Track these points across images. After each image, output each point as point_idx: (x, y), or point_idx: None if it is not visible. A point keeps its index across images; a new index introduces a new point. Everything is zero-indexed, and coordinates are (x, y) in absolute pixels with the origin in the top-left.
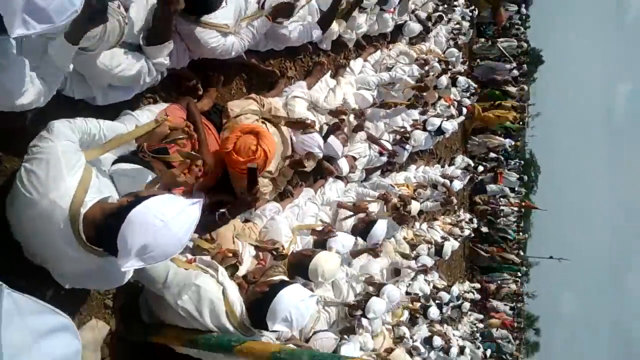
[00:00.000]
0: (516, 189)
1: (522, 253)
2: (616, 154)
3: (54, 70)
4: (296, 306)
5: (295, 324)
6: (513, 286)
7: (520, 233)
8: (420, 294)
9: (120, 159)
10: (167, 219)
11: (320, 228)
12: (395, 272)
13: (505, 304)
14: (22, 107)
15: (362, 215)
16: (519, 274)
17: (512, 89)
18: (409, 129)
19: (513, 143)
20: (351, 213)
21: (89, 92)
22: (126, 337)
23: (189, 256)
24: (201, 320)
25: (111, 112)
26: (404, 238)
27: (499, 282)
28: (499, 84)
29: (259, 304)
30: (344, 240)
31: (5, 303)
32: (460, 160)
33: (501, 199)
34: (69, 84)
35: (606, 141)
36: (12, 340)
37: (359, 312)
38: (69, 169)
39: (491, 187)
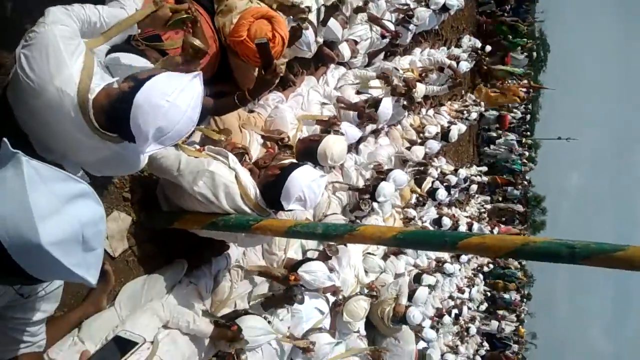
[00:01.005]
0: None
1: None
2: (629, 28)
3: None
4: (309, 185)
5: (309, 203)
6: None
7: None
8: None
9: (114, 49)
10: (172, 98)
11: (325, 118)
12: (403, 162)
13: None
14: None
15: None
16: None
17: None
18: (412, 5)
19: None
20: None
21: None
22: (149, 225)
23: (197, 146)
24: (218, 203)
25: None
26: (411, 125)
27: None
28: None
29: (272, 185)
30: (349, 129)
31: (26, 170)
32: (467, 40)
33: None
34: None
35: (619, 16)
36: (39, 204)
37: (368, 196)
38: (70, 54)
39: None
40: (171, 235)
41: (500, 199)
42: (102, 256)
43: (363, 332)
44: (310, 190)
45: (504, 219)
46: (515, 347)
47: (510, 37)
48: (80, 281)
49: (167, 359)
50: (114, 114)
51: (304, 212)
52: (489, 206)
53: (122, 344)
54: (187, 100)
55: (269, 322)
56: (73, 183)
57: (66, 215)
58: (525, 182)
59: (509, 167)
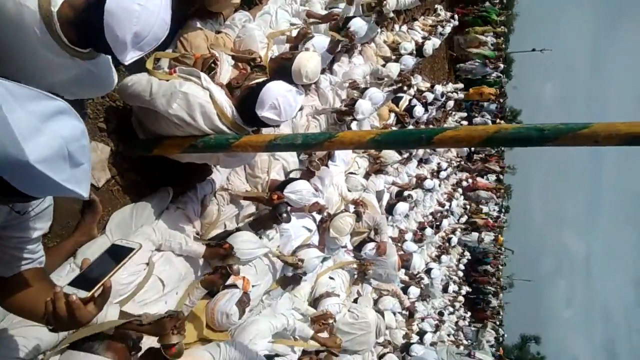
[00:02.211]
0: None
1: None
2: None
3: None
4: (284, 95)
5: (284, 113)
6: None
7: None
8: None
9: None
10: (144, 1)
11: (295, 33)
12: (378, 79)
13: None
14: None
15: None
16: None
17: None
18: None
19: None
20: (319, 20)
21: None
22: (129, 155)
23: (167, 70)
24: (195, 124)
25: None
26: (384, 42)
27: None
28: None
29: (247, 99)
30: (320, 41)
31: None
32: None
33: None
34: None
35: None
36: (20, 125)
37: (350, 118)
38: None
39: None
40: (153, 163)
41: (476, 115)
42: (89, 171)
43: (350, 246)
44: (285, 100)
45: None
46: (495, 302)
47: None
48: (73, 195)
49: (164, 278)
50: (85, 26)
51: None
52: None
53: (119, 252)
54: (157, 2)
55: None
56: (48, 100)
57: (48, 132)
58: (501, 98)
59: (485, 81)
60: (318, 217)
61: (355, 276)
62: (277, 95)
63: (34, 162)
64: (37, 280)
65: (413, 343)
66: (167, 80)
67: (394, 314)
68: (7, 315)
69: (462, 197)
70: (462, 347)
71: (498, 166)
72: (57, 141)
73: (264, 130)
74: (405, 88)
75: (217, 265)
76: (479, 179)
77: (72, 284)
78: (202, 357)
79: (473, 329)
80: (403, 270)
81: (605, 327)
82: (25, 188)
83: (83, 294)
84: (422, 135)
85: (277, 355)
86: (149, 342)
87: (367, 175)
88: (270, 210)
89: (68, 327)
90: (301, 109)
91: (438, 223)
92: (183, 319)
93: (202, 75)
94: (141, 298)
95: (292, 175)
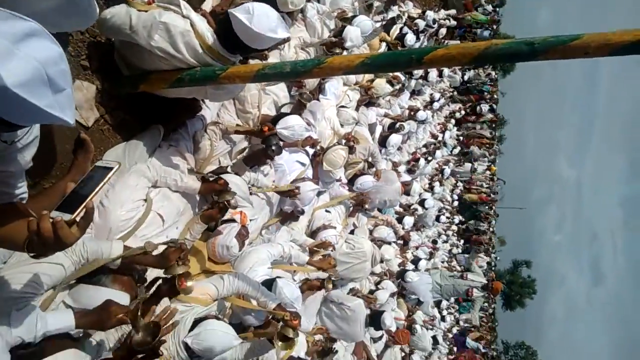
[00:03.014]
0: None
1: None
2: None
3: None
4: (261, 6)
5: (257, 20)
6: None
7: None
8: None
9: None
10: None
11: None
12: (367, 8)
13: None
14: None
15: None
16: None
17: None
18: None
19: None
20: None
21: None
22: (115, 93)
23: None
24: (180, 56)
25: None
26: None
27: None
28: None
29: (224, 20)
30: None
31: None
32: None
33: None
34: None
35: None
36: None
37: (339, 50)
38: None
39: None
40: (141, 100)
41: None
42: (72, 97)
43: (344, 180)
44: (261, 9)
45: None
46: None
47: None
48: (59, 122)
49: (163, 214)
50: None
51: None
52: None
53: (99, 174)
54: None
55: (254, 179)
56: (19, 21)
57: (22, 55)
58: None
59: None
60: (311, 151)
61: (351, 209)
62: (254, 4)
63: (11, 87)
64: (18, 212)
65: (408, 270)
66: (147, 11)
67: (389, 243)
68: (12, 255)
69: (455, 128)
70: (455, 272)
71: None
72: (32, 64)
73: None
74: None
75: (215, 200)
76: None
77: (58, 208)
78: (207, 289)
79: (466, 256)
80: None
81: (592, 248)
82: (8, 115)
83: (67, 217)
84: (412, 55)
85: (278, 277)
86: (154, 274)
87: (357, 108)
88: (261, 143)
89: (52, 248)
90: (288, 40)
91: (431, 154)
92: (187, 251)
93: (182, 2)
94: (142, 233)
95: (283, 110)
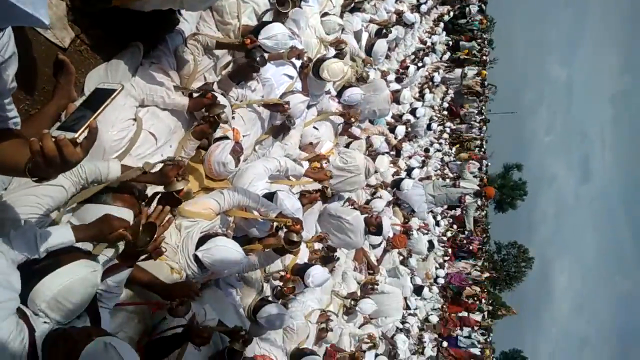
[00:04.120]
0: None
1: None
2: None
3: None
4: None
5: None
6: None
7: None
8: None
9: None
10: None
11: None
12: None
13: None
14: None
15: None
16: None
17: None
18: None
19: None
20: None
21: None
22: (88, 9)
23: None
24: None
25: None
26: None
27: None
28: None
29: None
30: None
31: None
32: None
33: None
34: None
35: None
36: None
37: None
38: None
39: None
40: (116, 16)
41: None
42: None
43: (334, 92)
44: None
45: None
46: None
47: None
48: (32, 22)
49: (155, 132)
50: None
51: None
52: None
53: (102, 95)
54: None
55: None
56: None
57: None
58: None
59: None
60: (298, 63)
61: (340, 127)
62: None
63: None
64: (15, 136)
65: (403, 179)
66: None
67: (382, 154)
68: (12, 180)
69: (444, 33)
70: (447, 180)
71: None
72: None
73: None
74: None
75: (205, 115)
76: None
77: (59, 128)
78: (208, 203)
79: (458, 162)
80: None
81: (581, 147)
82: None
83: (70, 135)
84: None
85: (278, 190)
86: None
87: (341, 15)
88: (245, 57)
89: (56, 169)
90: None
91: (420, 61)
92: (185, 167)
93: None
94: (137, 152)
95: (265, 19)
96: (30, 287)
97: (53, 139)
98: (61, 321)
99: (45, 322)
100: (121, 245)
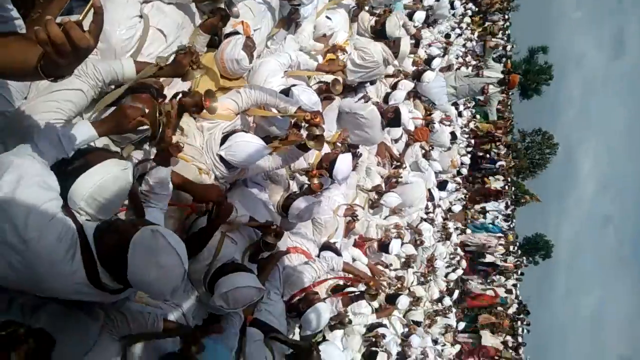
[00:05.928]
0: None
1: None
2: None
3: None
4: None
5: None
6: None
7: None
8: None
9: None
10: None
11: None
12: None
13: None
14: None
15: None
16: None
17: None
18: None
19: None
20: None
21: None
22: None
23: None
24: None
25: None
26: None
27: None
28: None
29: None
30: None
31: None
32: None
33: None
34: None
35: None
36: None
37: None
38: None
39: None
40: None
41: None
42: None
43: None
44: None
45: None
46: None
47: None
48: None
49: (163, 28)
50: None
51: None
52: None
53: None
54: None
55: None
56: None
57: None
58: None
59: None
60: None
61: (352, 11)
62: None
63: None
64: (22, 38)
65: (426, 70)
66: None
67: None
68: (30, 90)
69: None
70: (470, 69)
71: None
72: None
73: None
74: None
75: (214, 8)
76: None
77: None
78: (227, 104)
79: (481, 43)
80: None
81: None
82: None
83: (75, 18)
84: None
85: (293, 85)
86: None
87: None
88: None
89: (68, 58)
90: None
91: None
92: (197, 53)
93: None
94: (148, 52)
95: None
96: (67, 188)
97: (59, 26)
98: (101, 217)
99: (87, 220)
100: (147, 147)
